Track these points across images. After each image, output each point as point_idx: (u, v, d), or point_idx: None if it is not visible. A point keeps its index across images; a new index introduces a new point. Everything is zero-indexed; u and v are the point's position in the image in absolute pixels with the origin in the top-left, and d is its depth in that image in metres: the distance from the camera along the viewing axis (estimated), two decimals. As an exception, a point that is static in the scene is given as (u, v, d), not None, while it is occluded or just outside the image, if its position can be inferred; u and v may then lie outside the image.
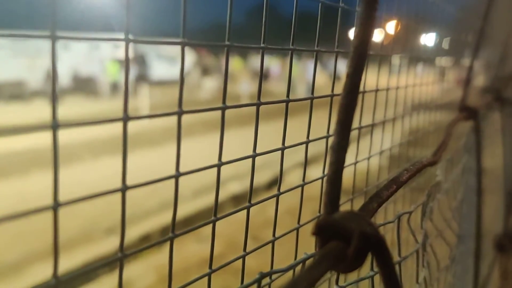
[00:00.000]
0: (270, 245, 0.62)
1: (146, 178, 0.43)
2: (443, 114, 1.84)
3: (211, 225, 0.52)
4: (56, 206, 0.32)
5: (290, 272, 0.53)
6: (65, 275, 0.35)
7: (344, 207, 0.48)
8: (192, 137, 8.99)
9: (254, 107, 0.56)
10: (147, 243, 0.44)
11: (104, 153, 8.15)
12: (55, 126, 0.31)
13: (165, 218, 5.47)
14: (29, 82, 15.93)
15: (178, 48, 0.43)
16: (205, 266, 0.54)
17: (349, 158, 0.56)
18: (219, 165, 0.50)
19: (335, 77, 0.73)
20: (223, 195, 6.04)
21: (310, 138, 0.67)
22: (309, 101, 0.66)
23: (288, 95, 0.61)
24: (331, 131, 0.60)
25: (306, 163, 0.70)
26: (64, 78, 16.74)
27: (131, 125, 0.38)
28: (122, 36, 0.37)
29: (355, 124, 0.71)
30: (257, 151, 0.58)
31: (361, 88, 0.73)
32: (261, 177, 6.72)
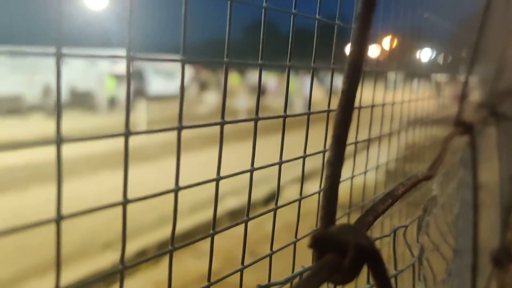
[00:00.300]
0: (268, 260, 0.63)
1: (144, 194, 0.43)
2: (439, 129, 1.85)
3: (209, 239, 0.53)
4: (59, 219, 0.33)
5: (288, 286, 0.54)
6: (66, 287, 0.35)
7: (341, 221, 0.48)
8: (190, 152, 8.98)
9: (252, 122, 0.57)
10: (144, 258, 0.45)
11: (103, 168, 8.13)
12: (59, 141, 0.32)
13: (162, 233, 5.43)
14: (27, 97, 15.96)
15: (175, 63, 0.44)
16: (203, 282, 0.54)
17: (346, 172, 0.57)
18: (217, 180, 0.51)
19: (331, 93, 0.74)
20: (220, 210, 6.02)
21: (307, 153, 0.68)
22: (306, 116, 0.67)
23: (285, 111, 0.62)
24: (328, 146, 0.61)
25: (303, 178, 0.70)
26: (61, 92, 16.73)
27: (130, 140, 0.39)
28: (121, 51, 0.38)
29: (351, 139, 0.72)
30: (255, 165, 0.58)
31: (357, 104, 0.74)
32: (259, 193, 6.70)
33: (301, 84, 19.28)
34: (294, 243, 0.67)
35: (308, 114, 0.67)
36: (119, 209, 0.40)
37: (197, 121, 0.48)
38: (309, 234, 0.67)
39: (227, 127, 0.52)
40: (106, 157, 8.26)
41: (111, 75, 18.07)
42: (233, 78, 25.01)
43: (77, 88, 17.43)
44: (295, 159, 0.67)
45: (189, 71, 22.32)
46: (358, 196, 0.98)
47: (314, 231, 0.66)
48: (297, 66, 0.62)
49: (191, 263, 4.40)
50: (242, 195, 6.44)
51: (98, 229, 5.09)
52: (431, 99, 1.88)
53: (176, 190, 0.45)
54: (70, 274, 4.17)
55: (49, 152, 0.34)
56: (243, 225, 0.58)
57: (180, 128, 0.43)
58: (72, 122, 12.47)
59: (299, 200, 0.68)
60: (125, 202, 0.39)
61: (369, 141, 0.94)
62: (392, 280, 0.56)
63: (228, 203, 6.34)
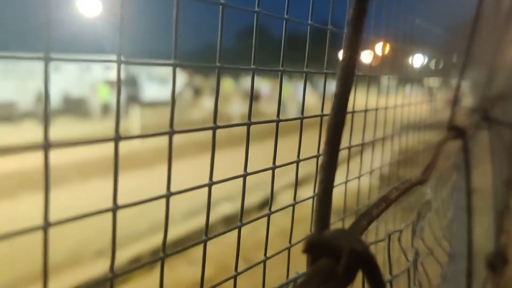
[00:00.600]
0: (262, 266, 0.62)
1: (136, 200, 0.43)
2: (432, 133, 1.86)
3: (202, 246, 0.52)
4: (46, 226, 0.32)
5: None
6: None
7: (335, 226, 0.48)
8: (183, 158, 8.95)
9: (245, 127, 0.56)
10: (135, 265, 0.44)
11: (94, 175, 8.08)
12: (46, 146, 0.31)
13: (155, 240, 5.40)
14: (20, 104, 15.87)
15: (169, 69, 0.43)
16: (197, 289, 0.53)
17: (340, 177, 0.56)
18: (210, 185, 0.51)
19: (324, 98, 0.74)
20: (214, 216, 6.00)
21: (301, 157, 0.68)
22: (299, 121, 0.67)
23: (278, 115, 0.62)
24: (322, 151, 0.60)
25: (297, 182, 0.70)
26: (54, 99, 16.70)
27: (122, 146, 0.38)
28: (113, 57, 0.37)
29: (345, 143, 0.72)
30: (248, 171, 0.58)
31: (351, 109, 0.74)
32: (253, 199, 6.69)
33: (294, 89, 19.33)
34: (288, 249, 0.67)
35: (301, 118, 0.66)
36: (111, 216, 0.39)
37: (190, 127, 0.48)
38: (303, 239, 0.67)
39: (220, 134, 0.52)
40: (98, 164, 8.21)
41: (104, 81, 18.03)
42: (227, 84, 25.02)
43: (70, 95, 17.37)
44: (289, 164, 0.67)
45: (182, 76, 22.32)
46: (352, 201, 0.97)
47: (308, 236, 0.65)
48: (290, 71, 0.62)
49: (184, 270, 4.37)
50: (236, 200, 6.42)
51: (89, 237, 5.05)
52: (423, 104, 1.88)
53: (168, 195, 0.44)
54: (62, 283, 4.13)
55: (40, 159, 0.34)
56: (236, 231, 0.58)
57: (171, 133, 0.42)
58: (65, 128, 12.40)
59: (293, 206, 0.68)
60: (115, 208, 0.38)
61: (362, 146, 0.94)
62: (388, 285, 0.56)
63: (222, 209, 6.32)
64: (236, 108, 15.92)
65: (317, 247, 0.35)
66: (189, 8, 0.44)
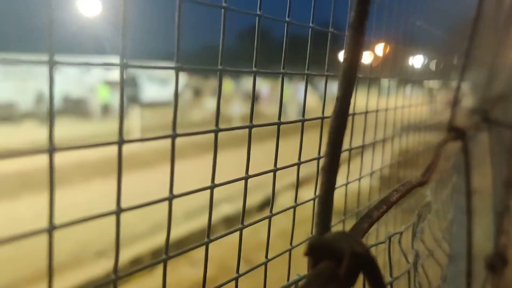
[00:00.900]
0: (263, 268, 0.62)
1: (138, 201, 0.43)
2: (432, 134, 1.86)
3: (203, 247, 0.52)
4: (51, 228, 0.32)
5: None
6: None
7: (336, 228, 0.48)
8: (184, 159, 8.95)
9: (246, 129, 0.57)
10: (138, 267, 0.44)
11: (95, 175, 8.08)
12: (51, 150, 0.32)
13: (156, 241, 5.40)
14: (20, 104, 15.88)
15: (169, 70, 0.44)
16: (198, 290, 0.53)
17: (340, 179, 0.56)
18: (212, 187, 0.51)
19: (325, 100, 0.74)
20: (214, 217, 6.00)
21: (302, 159, 0.68)
22: (300, 122, 0.67)
23: (279, 118, 0.62)
24: (322, 153, 0.61)
25: (298, 185, 0.70)
26: (55, 99, 16.68)
27: (123, 147, 0.39)
28: (114, 58, 0.38)
29: (345, 145, 0.72)
30: (249, 172, 0.58)
31: (351, 110, 0.74)
32: (253, 199, 6.69)
33: (295, 90, 19.31)
34: (290, 251, 0.67)
35: (303, 121, 0.67)
36: (112, 217, 0.39)
37: (191, 128, 0.48)
38: (304, 241, 0.67)
39: (220, 134, 0.52)
40: (99, 164, 8.21)
41: (104, 82, 18.04)
42: (227, 85, 25.02)
43: (70, 95, 17.38)
44: (290, 165, 0.67)
45: (183, 77, 22.34)
46: (352, 202, 0.98)
47: (310, 238, 0.65)
48: (291, 74, 0.62)
49: (185, 271, 4.37)
50: (237, 201, 6.43)
51: (91, 238, 5.05)
52: (424, 105, 1.89)
53: (171, 198, 0.45)
54: (63, 283, 4.13)
55: (41, 159, 0.34)
56: (237, 233, 0.58)
57: (174, 136, 0.43)
58: (65, 129, 12.40)
59: (294, 207, 0.68)
60: (118, 211, 0.38)
61: (363, 147, 0.94)
62: (388, 287, 0.56)
63: (223, 210, 6.32)
64: (236, 109, 15.92)
65: (319, 249, 0.35)
66: (187, 8, 0.44)
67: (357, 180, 0.92)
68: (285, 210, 0.67)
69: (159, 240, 5.40)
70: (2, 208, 6.52)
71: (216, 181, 0.52)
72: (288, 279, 0.59)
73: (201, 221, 5.90)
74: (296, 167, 0.68)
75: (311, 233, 0.70)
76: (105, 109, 17.70)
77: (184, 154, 9.27)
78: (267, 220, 0.63)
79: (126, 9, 0.37)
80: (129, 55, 0.39)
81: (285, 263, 0.67)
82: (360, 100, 0.84)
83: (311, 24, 0.65)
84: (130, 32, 0.39)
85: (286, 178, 6.70)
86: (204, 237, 0.52)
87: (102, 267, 4.69)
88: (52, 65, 0.31)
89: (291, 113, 17.49)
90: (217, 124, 0.50)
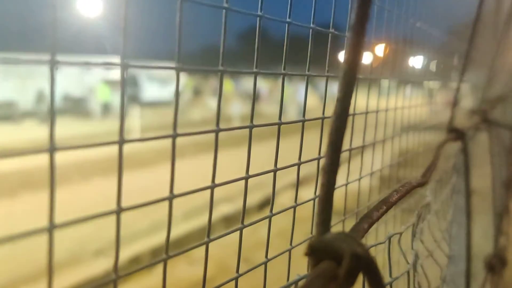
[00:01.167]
0: (263, 267, 0.62)
1: (137, 201, 0.43)
2: (431, 135, 1.86)
3: (203, 247, 0.52)
4: (52, 228, 0.33)
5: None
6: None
7: (336, 228, 0.48)
8: (184, 158, 8.95)
9: (246, 129, 0.57)
10: (137, 266, 0.44)
11: (94, 174, 8.08)
12: (52, 149, 0.32)
13: (155, 240, 5.40)
14: (20, 103, 15.88)
15: (169, 70, 0.44)
16: (198, 289, 0.53)
17: (340, 179, 0.57)
18: (212, 187, 0.51)
19: (325, 101, 0.75)
20: (214, 216, 5.98)
21: (302, 159, 0.68)
22: (300, 122, 0.67)
23: (280, 118, 0.62)
24: (323, 153, 0.61)
25: (298, 185, 0.70)
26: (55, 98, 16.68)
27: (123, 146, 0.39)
28: (115, 58, 0.38)
29: (345, 145, 0.73)
30: (249, 172, 0.58)
31: (351, 111, 0.74)
32: (252, 198, 6.70)
33: (295, 90, 19.30)
34: (289, 251, 0.67)
35: (303, 121, 0.67)
36: (111, 215, 0.39)
37: (191, 127, 0.48)
38: (304, 241, 0.67)
39: (220, 133, 0.52)
40: (99, 163, 8.21)
41: (104, 81, 18.05)
42: (227, 84, 25.00)
43: (70, 94, 17.38)
44: (290, 166, 0.67)
45: (183, 77, 22.35)
46: (352, 202, 0.98)
47: (310, 238, 0.65)
48: (292, 74, 0.62)
49: (184, 270, 4.37)
50: (237, 200, 6.43)
51: (89, 236, 5.05)
52: (423, 105, 1.89)
53: (171, 198, 0.45)
54: (63, 281, 4.13)
55: (40, 158, 0.34)
56: (237, 232, 0.58)
57: (174, 136, 0.43)
58: (66, 128, 12.39)
59: (294, 207, 0.68)
60: (118, 211, 0.38)
61: (363, 148, 0.94)
62: (387, 288, 0.56)
63: (222, 209, 6.32)
64: (236, 108, 15.93)
65: (319, 250, 0.36)
66: (186, 8, 0.44)
67: (357, 180, 0.92)
68: (285, 210, 0.67)
69: (158, 238, 5.40)
70: (1, 206, 6.52)
71: (216, 180, 0.52)
72: (287, 279, 0.59)
73: (199, 221, 5.90)
74: (296, 167, 0.68)
75: (311, 233, 0.70)
76: (105, 109, 17.70)
77: (184, 153, 9.27)
78: (266, 220, 0.63)
79: (126, 9, 0.37)
80: (129, 55, 0.39)
81: (283, 262, 0.67)
82: (360, 100, 0.84)
83: (311, 25, 0.65)
84: (130, 32, 0.39)
85: (286, 177, 6.70)
86: (203, 237, 0.52)
87: (100, 267, 4.69)
88: (53, 64, 0.31)
89: (291, 113, 17.50)
90: (217, 124, 0.50)
